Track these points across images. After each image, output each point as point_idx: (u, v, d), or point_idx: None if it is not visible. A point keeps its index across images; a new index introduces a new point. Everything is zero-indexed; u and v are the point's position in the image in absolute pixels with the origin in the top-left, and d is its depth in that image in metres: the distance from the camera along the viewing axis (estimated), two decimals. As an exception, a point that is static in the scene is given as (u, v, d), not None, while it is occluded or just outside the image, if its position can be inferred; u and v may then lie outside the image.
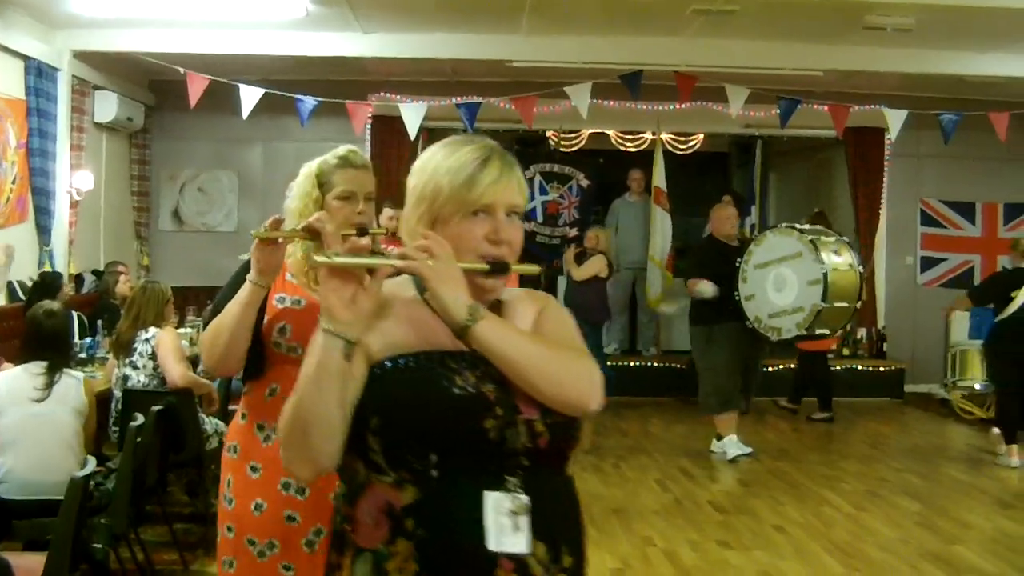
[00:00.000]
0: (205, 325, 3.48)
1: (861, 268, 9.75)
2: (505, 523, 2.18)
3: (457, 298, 2.19)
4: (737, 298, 9.75)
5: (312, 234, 3.16)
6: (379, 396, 2.20)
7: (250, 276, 3.27)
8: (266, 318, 3.42)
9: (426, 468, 2.17)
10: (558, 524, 2.34)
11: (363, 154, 3.73)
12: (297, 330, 3.39)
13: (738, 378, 10.07)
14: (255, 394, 3.53)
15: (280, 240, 3.26)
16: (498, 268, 2.31)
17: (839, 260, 9.50)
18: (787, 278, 9.53)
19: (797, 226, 10.01)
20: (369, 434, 2.18)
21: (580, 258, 12.61)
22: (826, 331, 9.82)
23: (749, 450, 10.18)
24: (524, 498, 2.21)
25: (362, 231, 3.44)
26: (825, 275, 9.21)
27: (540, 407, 2.24)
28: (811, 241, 9.44)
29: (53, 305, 6.12)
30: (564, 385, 2.25)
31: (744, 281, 9.79)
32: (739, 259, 9.85)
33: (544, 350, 2.28)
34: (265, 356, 3.45)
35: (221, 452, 3.73)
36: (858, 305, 9.81)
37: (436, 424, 2.17)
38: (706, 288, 9.99)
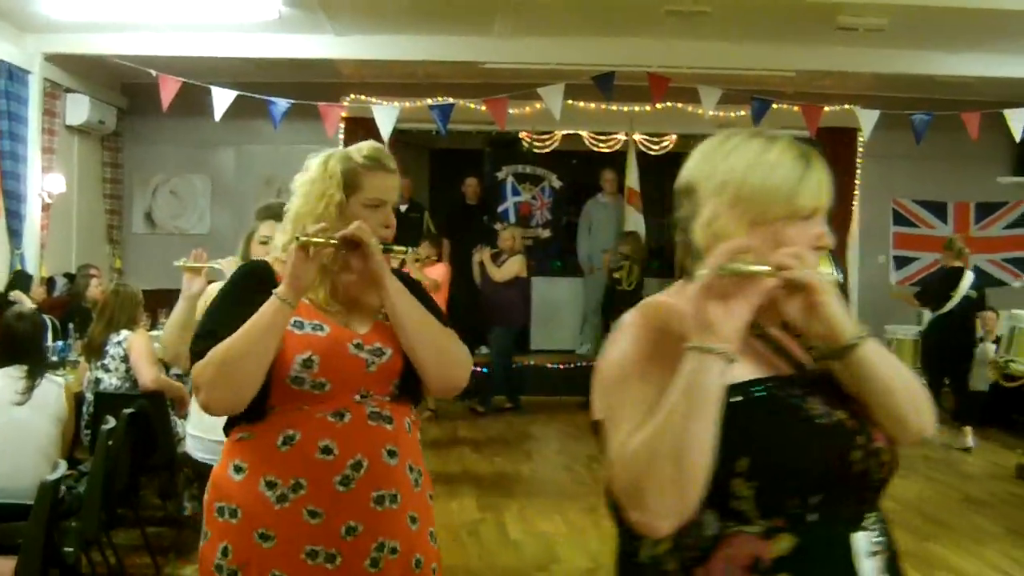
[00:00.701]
0: (193, 358, 2.92)
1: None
2: (870, 566, 1.98)
3: (845, 312, 2.00)
4: None
5: (350, 245, 2.90)
6: (745, 434, 1.91)
7: (281, 292, 2.82)
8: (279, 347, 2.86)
9: (804, 512, 1.95)
10: (895, 563, 2.08)
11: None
12: (326, 363, 2.88)
13: None
14: (261, 442, 2.91)
15: (312, 251, 2.83)
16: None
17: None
18: None
19: None
20: (736, 479, 1.90)
21: (496, 259, 12.60)
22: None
23: None
24: (882, 537, 2.04)
25: (387, 247, 3.02)
26: None
27: (885, 434, 2.07)
28: None
29: (24, 308, 6.10)
30: (907, 407, 2.08)
31: None
32: None
33: (901, 370, 2.09)
34: (269, 394, 2.87)
35: (200, 496, 3.24)
36: None
37: (814, 460, 1.95)
38: None
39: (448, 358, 3.09)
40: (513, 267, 12.20)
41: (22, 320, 5.86)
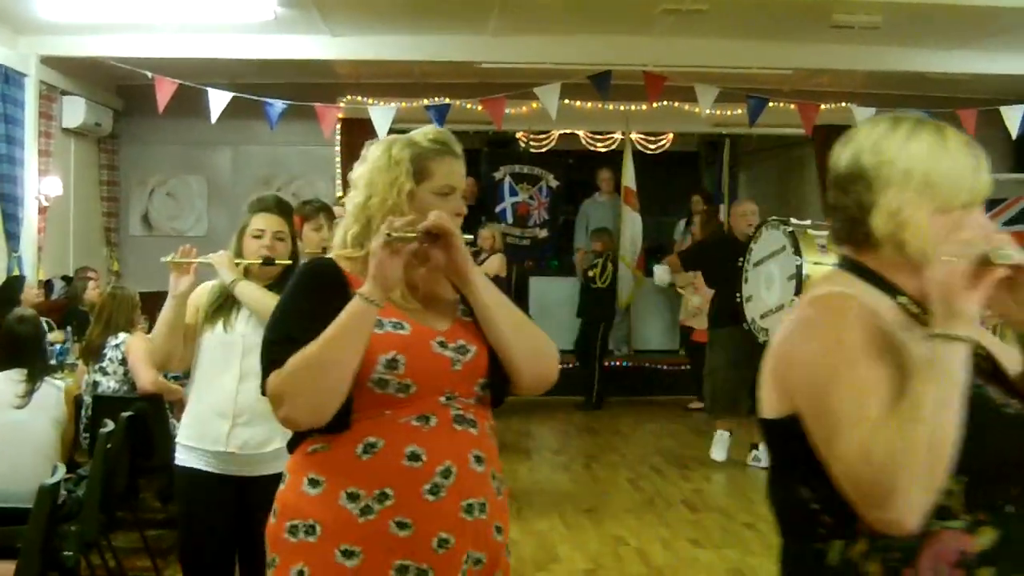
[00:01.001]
0: (269, 366, 2.65)
1: None
2: None
3: None
4: (739, 300, 9.22)
5: (431, 238, 2.70)
6: None
7: (366, 292, 2.60)
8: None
9: (1004, 504, 1.95)
10: None
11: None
12: (412, 363, 2.67)
13: (742, 383, 8.94)
14: (338, 452, 2.68)
15: (399, 245, 2.63)
16: None
17: (826, 255, 8.47)
18: (773, 275, 8.90)
19: (789, 220, 9.16)
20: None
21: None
22: None
23: (723, 458, 9.95)
24: None
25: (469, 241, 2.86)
26: (799, 268, 8.38)
27: None
28: (791, 233, 8.67)
29: (25, 311, 6.10)
30: None
31: (746, 281, 9.28)
32: (742, 258, 9.32)
33: None
34: (351, 400, 2.64)
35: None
36: None
37: (1018, 451, 1.95)
38: (660, 274, 10.27)
39: (540, 352, 2.87)
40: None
41: (23, 323, 5.87)
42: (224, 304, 4.47)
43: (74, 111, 12.21)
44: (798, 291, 8.30)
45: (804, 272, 8.35)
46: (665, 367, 14.03)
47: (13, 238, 10.86)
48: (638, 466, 9.89)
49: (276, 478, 2.90)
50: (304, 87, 12.67)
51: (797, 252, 8.48)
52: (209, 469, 4.39)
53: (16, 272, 10.65)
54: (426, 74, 13.28)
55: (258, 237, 4.52)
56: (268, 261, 4.47)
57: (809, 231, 8.79)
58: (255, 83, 12.30)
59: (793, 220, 9.09)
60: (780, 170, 16.67)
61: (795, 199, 15.63)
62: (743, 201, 10.53)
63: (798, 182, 15.93)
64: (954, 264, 1.89)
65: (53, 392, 5.79)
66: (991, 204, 13.40)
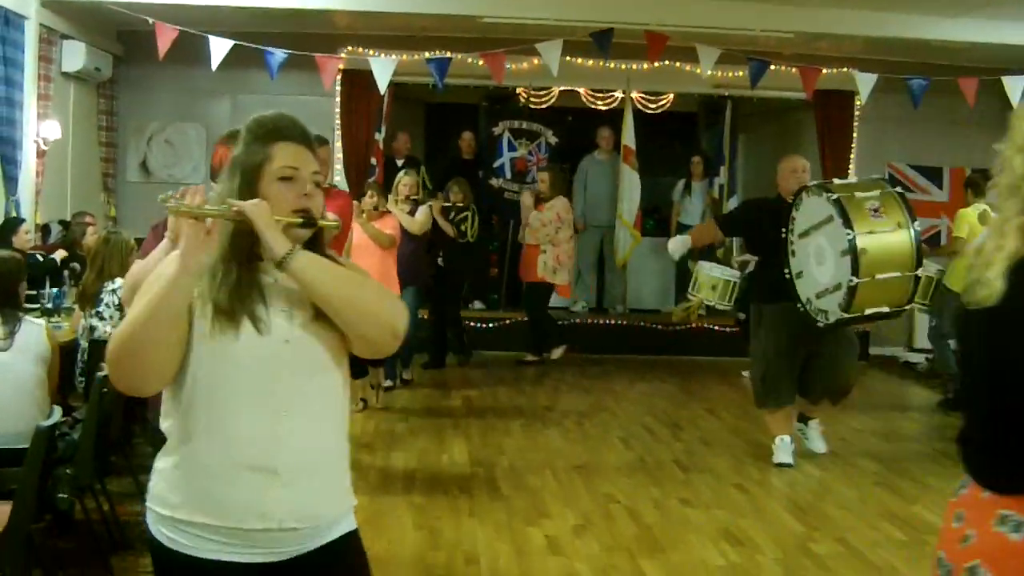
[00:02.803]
0: None
1: (916, 225, 7.74)
2: None
3: None
4: (788, 276, 8.05)
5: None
6: None
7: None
8: None
9: None
10: None
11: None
12: None
13: (789, 370, 8.37)
14: None
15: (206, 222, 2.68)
16: None
17: (880, 220, 7.60)
18: (824, 249, 7.75)
19: (832, 182, 8.11)
20: None
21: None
22: (882, 309, 7.74)
23: (790, 461, 8.50)
24: None
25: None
26: (852, 243, 7.37)
27: None
28: (837, 201, 7.55)
29: (1, 253, 6.09)
30: None
31: (792, 255, 8.07)
32: (784, 228, 8.11)
33: None
34: None
35: None
36: (918, 272, 7.71)
37: None
38: (676, 247, 8.97)
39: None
40: (428, 217, 11.03)
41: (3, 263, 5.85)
42: (243, 286, 2.76)
43: (74, 55, 12.16)
44: (855, 269, 7.39)
45: (859, 246, 7.37)
46: (659, 326, 14.04)
47: (11, 181, 10.84)
48: (630, 425, 9.92)
49: (346, 544, 2.90)
50: (305, 37, 12.63)
51: (847, 223, 7.43)
52: (224, 557, 2.82)
53: (14, 215, 10.64)
54: (427, 27, 13.22)
55: (288, 179, 2.86)
56: (309, 221, 2.86)
57: (857, 195, 7.69)
58: (255, 32, 12.26)
59: (836, 181, 8.14)
60: (779, 134, 16.63)
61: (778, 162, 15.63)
62: (792, 156, 9.04)
63: (797, 146, 15.87)
64: None
65: (34, 330, 5.79)
66: (984, 175, 13.31)
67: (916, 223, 7.68)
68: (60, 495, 5.18)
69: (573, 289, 14.36)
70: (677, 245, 9.02)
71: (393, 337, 2.85)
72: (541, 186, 13.00)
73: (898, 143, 14.61)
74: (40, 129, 11.38)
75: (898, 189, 7.91)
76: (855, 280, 7.38)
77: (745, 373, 11.51)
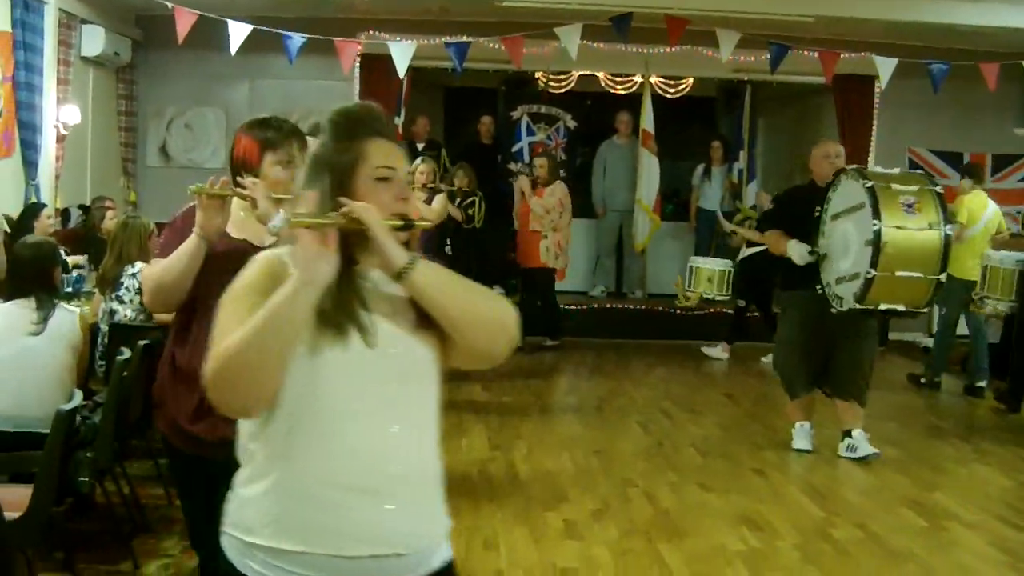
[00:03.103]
0: None
1: (948, 229, 7.53)
2: None
3: None
4: (814, 253, 7.91)
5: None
6: None
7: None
8: None
9: None
10: None
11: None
12: None
13: (809, 358, 8.20)
14: None
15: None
16: None
17: (912, 217, 7.40)
18: (850, 235, 7.64)
19: (871, 169, 8.08)
20: None
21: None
22: (897, 307, 7.60)
23: (808, 447, 8.42)
24: None
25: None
26: (877, 235, 7.23)
27: None
28: (871, 189, 7.37)
29: (35, 238, 6.13)
30: None
31: (822, 235, 7.92)
32: (819, 207, 7.95)
33: None
34: None
35: None
36: (941, 277, 7.54)
37: None
38: (793, 250, 8.10)
39: (486, 334, 2.65)
40: (444, 206, 10.65)
41: (30, 249, 5.89)
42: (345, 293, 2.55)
43: (93, 40, 12.18)
44: (874, 262, 7.28)
45: (883, 239, 7.25)
46: (678, 311, 14.02)
47: (31, 165, 10.86)
48: (648, 410, 9.93)
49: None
50: (323, 22, 12.62)
51: (876, 214, 7.27)
52: None
53: (34, 199, 10.67)
54: (446, 11, 13.21)
55: (386, 180, 2.65)
56: (408, 224, 2.66)
57: (894, 186, 7.49)
58: (274, 16, 12.27)
59: (878, 169, 8.01)
60: (799, 119, 16.60)
61: (812, 148, 15.58)
62: (826, 141, 8.78)
63: (816, 131, 15.85)
64: None
65: (68, 317, 5.82)
66: (1009, 159, 13.29)
67: (949, 227, 7.58)
68: (81, 478, 5.20)
69: (592, 274, 14.39)
70: (795, 249, 8.17)
71: (509, 345, 2.64)
72: (540, 171, 12.75)
73: (918, 128, 14.55)
74: (60, 114, 11.40)
75: (938, 188, 7.69)
76: (872, 272, 7.30)
77: (764, 359, 11.54)
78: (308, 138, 3.85)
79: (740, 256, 12.68)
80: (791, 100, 16.27)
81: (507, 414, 9.45)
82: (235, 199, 3.88)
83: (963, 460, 8.41)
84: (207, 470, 3.50)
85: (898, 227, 7.31)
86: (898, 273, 7.35)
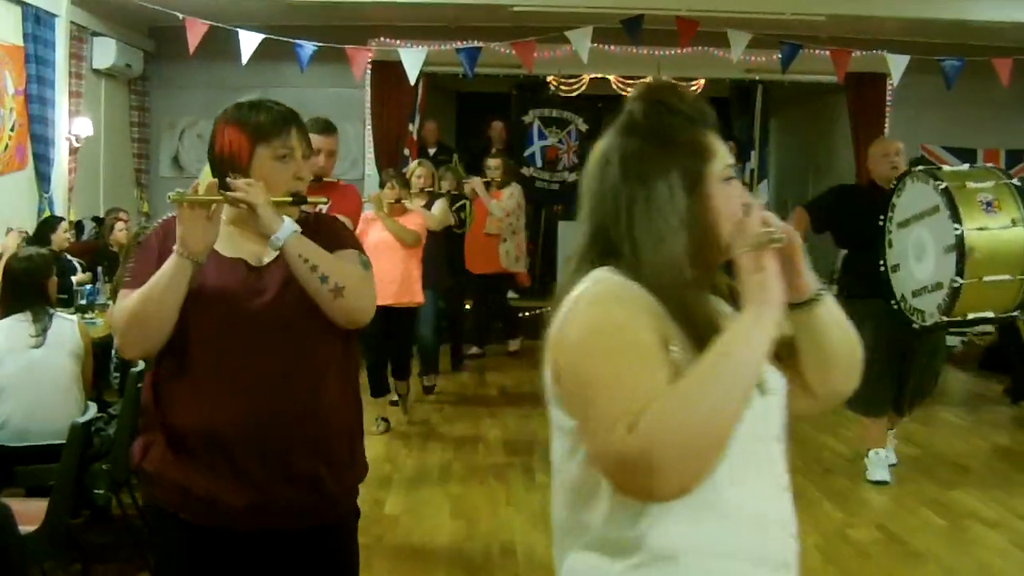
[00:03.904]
0: None
1: None
2: None
3: None
4: (883, 268, 7.24)
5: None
6: None
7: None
8: None
9: None
10: None
11: None
12: None
13: (886, 373, 7.38)
14: None
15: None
16: None
17: (993, 216, 6.68)
18: (925, 242, 6.90)
19: (941, 168, 7.33)
20: None
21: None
22: (986, 314, 6.84)
23: (886, 478, 7.63)
24: None
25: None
26: (959, 239, 6.49)
27: None
28: (945, 190, 6.65)
29: (28, 251, 6.12)
30: None
31: (890, 246, 7.22)
32: (883, 216, 7.22)
33: None
34: None
35: None
36: None
37: None
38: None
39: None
40: (436, 212, 9.76)
41: (19, 262, 5.88)
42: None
43: (105, 52, 12.22)
44: (960, 269, 6.51)
45: (967, 243, 6.49)
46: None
47: (44, 179, 10.89)
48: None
49: None
50: (335, 30, 12.63)
51: (955, 217, 6.55)
52: None
53: (47, 213, 10.70)
54: (458, 17, 13.20)
55: (729, 179, 2.62)
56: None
57: (969, 184, 6.77)
58: (286, 25, 12.28)
59: (946, 168, 7.32)
60: (811, 118, 16.57)
61: (825, 147, 15.58)
62: (884, 139, 8.12)
63: (829, 130, 15.84)
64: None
65: (67, 325, 5.80)
66: (1022, 155, 13.23)
67: None
68: (96, 491, 5.21)
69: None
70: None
71: (372, 304, 3.15)
72: (495, 172, 12.12)
73: (932, 125, 14.49)
74: (72, 126, 11.43)
75: (1015, 181, 6.88)
76: (960, 281, 6.51)
77: None
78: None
79: None
80: (803, 99, 16.24)
81: (524, 418, 9.41)
82: (226, 207, 2.98)
83: (982, 458, 8.37)
84: (223, 547, 3.02)
85: (980, 228, 6.56)
86: (986, 278, 6.58)
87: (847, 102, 14.50)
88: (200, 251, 2.88)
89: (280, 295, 2.97)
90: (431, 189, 9.93)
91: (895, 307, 7.12)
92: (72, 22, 11.47)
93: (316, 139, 4.78)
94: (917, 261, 6.94)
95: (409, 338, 9.33)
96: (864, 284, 7.37)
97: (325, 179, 5.66)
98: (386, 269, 8.14)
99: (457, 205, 11.25)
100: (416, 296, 8.92)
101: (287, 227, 2.94)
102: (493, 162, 12.30)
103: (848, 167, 14.40)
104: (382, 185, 9.09)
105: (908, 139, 14.22)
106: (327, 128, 5.82)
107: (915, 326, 7.00)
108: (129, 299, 2.93)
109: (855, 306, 6.96)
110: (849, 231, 7.73)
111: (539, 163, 15.19)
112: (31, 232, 9.71)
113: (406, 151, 13.68)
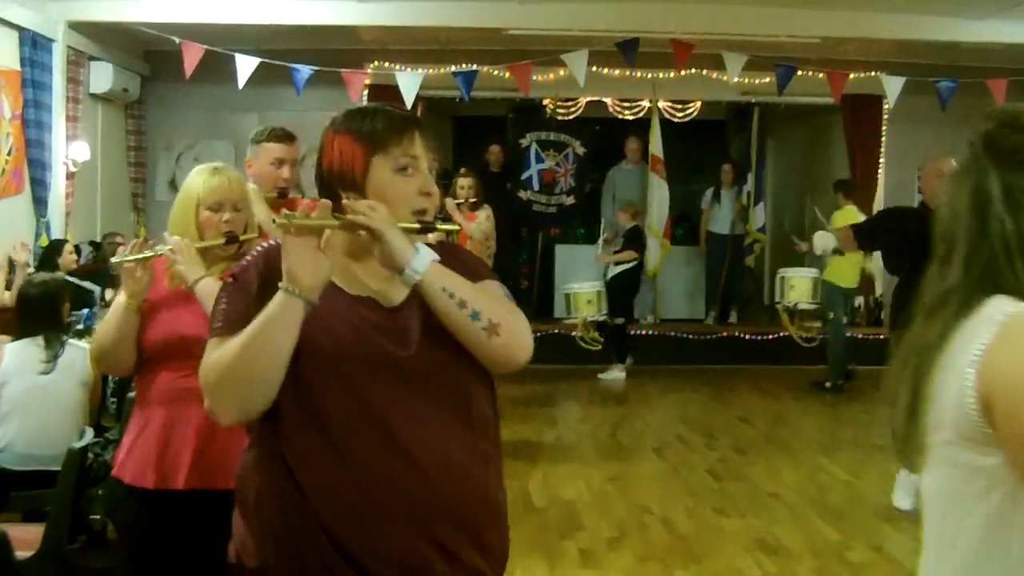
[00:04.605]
0: None
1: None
2: None
3: None
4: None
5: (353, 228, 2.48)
6: None
7: (284, 282, 2.39)
8: None
9: None
10: None
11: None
12: None
13: None
14: None
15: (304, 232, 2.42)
16: None
17: None
18: None
19: None
20: None
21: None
22: None
23: (912, 506, 7.14)
24: None
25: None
26: None
27: None
28: None
29: (41, 276, 6.13)
30: None
31: None
32: None
33: None
34: None
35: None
36: None
37: None
38: (824, 242, 7.37)
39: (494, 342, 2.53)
40: (481, 228, 9.70)
41: (33, 287, 5.89)
42: None
43: (101, 76, 12.25)
44: None
45: None
46: (690, 336, 14.01)
47: (41, 203, 10.91)
48: (663, 435, 9.90)
49: None
50: (330, 53, 12.67)
51: None
52: None
53: (44, 237, 10.71)
54: (453, 40, 13.24)
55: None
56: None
57: None
58: (281, 49, 12.31)
59: None
60: (807, 139, 16.61)
61: (822, 168, 15.60)
62: (939, 157, 7.53)
63: (826, 151, 15.88)
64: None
65: (79, 354, 5.80)
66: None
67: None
68: (93, 516, 5.19)
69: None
70: (825, 241, 7.60)
71: (522, 351, 2.61)
72: (468, 192, 10.67)
73: (927, 145, 14.48)
74: (69, 150, 11.45)
75: None
76: None
77: (601, 375, 12.39)
78: None
79: (609, 275, 12.88)
80: (800, 121, 16.29)
81: (521, 442, 9.41)
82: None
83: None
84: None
85: None
86: None
87: (843, 123, 14.54)
88: (313, 287, 2.36)
89: (426, 338, 2.49)
90: (475, 200, 9.72)
91: None
92: (69, 46, 11.51)
93: (276, 148, 4.88)
94: None
95: None
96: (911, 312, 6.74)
97: (290, 195, 5.14)
98: None
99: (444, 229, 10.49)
100: None
101: (424, 256, 2.45)
102: (465, 181, 10.78)
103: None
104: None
105: (905, 159, 14.37)
106: (286, 136, 5.22)
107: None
108: (223, 350, 2.41)
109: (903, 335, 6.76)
110: (901, 258, 7.13)
111: (536, 186, 15.17)
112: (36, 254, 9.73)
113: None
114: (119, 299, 3.64)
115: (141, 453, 3.64)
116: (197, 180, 3.75)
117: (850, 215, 11.60)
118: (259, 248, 2.62)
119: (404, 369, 2.45)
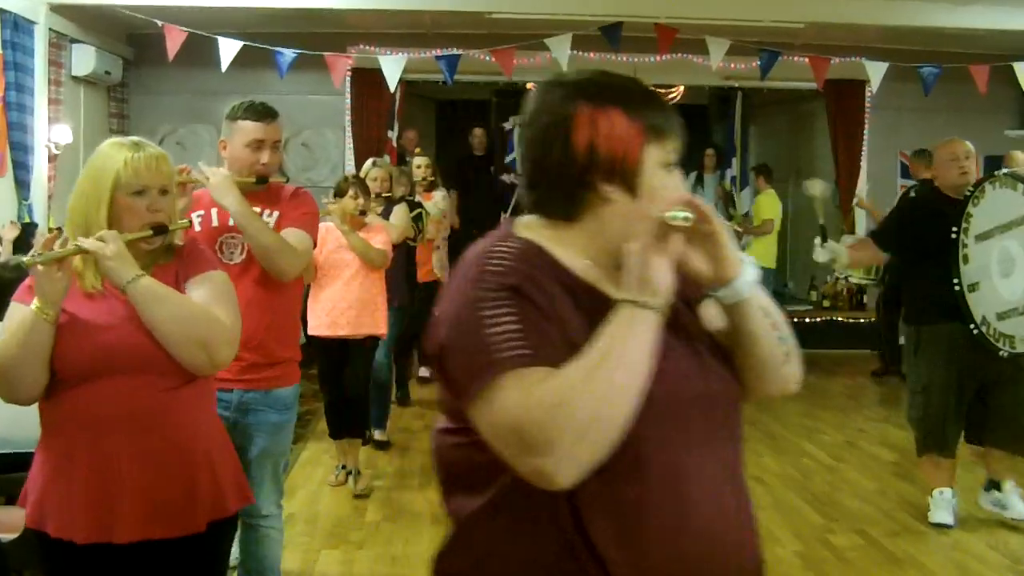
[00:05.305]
0: None
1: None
2: None
3: None
4: (958, 287, 6.30)
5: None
6: None
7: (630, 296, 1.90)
8: None
9: None
10: None
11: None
12: None
13: (956, 410, 6.61)
14: None
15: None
16: None
17: None
18: (1013, 256, 6.10)
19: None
20: None
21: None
22: None
23: (952, 520, 6.79)
24: None
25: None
26: None
27: None
28: None
29: (15, 259, 6.10)
30: None
31: (965, 262, 6.33)
32: (956, 228, 6.36)
33: None
34: None
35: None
36: None
37: None
38: (835, 251, 6.89)
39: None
40: (405, 220, 8.88)
41: (7, 271, 5.86)
42: None
43: (84, 59, 12.18)
44: None
45: None
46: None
47: (23, 186, 10.85)
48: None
49: None
50: (314, 37, 12.62)
51: None
52: None
53: (27, 220, 10.67)
54: (436, 24, 13.21)
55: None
56: (159, 229, 3.27)
57: None
58: (265, 32, 12.27)
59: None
60: (791, 124, 16.62)
61: (806, 153, 15.63)
62: (952, 140, 6.88)
63: (809, 136, 15.91)
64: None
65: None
66: (1000, 161, 13.31)
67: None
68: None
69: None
70: (834, 250, 7.01)
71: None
72: (426, 171, 10.52)
73: (910, 131, 14.52)
74: (51, 133, 11.39)
75: None
76: None
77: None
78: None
79: None
80: (783, 106, 16.30)
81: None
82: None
83: (963, 463, 8.38)
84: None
85: None
86: None
87: (826, 108, 14.54)
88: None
89: (720, 367, 2.06)
90: (388, 194, 8.82)
91: (974, 332, 6.28)
92: (51, 29, 11.43)
93: (254, 128, 4.39)
94: (1004, 278, 6.15)
95: (365, 381, 7.72)
96: (932, 308, 6.55)
97: (271, 180, 4.55)
98: (341, 294, 7.37)
99: (414, 213, 9.25)
100: (379, 327, 7.64)
101: (750, 268, 2.00)
102: (422, 160, 10.69)
103: (828, 172, 14.43)
104: (341, 193, 7.40)
105: (887, 145, 14.40)
106: (267, 113, 4.51)
107: (1001, 353, 6.24)
108: (555, 386, 1.79)
109: (921, 334, 6.38)
110: (914, 247, 6.75)
111: (519, 170, 15.21)
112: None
113: (386, 158, 13.65)
114: (22, 308, 3.08)
115: (63, 498, 3.16)
116: (116, 158, 3.26)
117: (771, 201, 12.57)
118: (503, 247, 2.02)
119: (712, 409, 2.03)
